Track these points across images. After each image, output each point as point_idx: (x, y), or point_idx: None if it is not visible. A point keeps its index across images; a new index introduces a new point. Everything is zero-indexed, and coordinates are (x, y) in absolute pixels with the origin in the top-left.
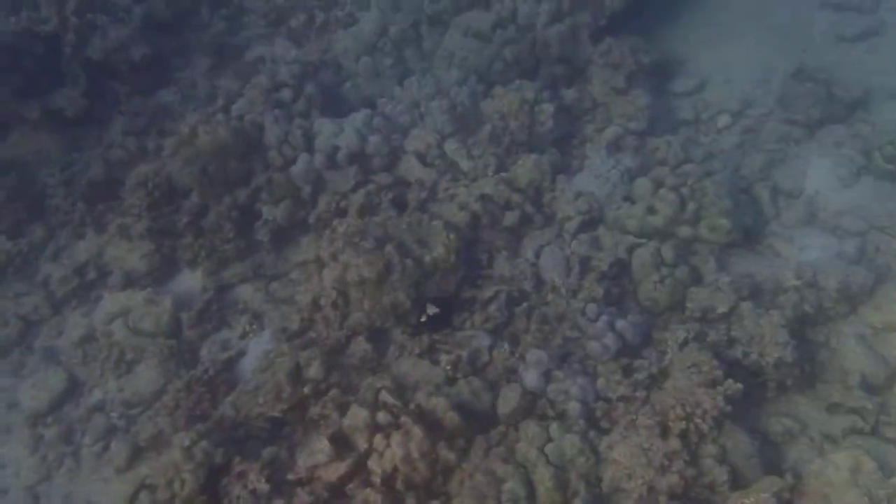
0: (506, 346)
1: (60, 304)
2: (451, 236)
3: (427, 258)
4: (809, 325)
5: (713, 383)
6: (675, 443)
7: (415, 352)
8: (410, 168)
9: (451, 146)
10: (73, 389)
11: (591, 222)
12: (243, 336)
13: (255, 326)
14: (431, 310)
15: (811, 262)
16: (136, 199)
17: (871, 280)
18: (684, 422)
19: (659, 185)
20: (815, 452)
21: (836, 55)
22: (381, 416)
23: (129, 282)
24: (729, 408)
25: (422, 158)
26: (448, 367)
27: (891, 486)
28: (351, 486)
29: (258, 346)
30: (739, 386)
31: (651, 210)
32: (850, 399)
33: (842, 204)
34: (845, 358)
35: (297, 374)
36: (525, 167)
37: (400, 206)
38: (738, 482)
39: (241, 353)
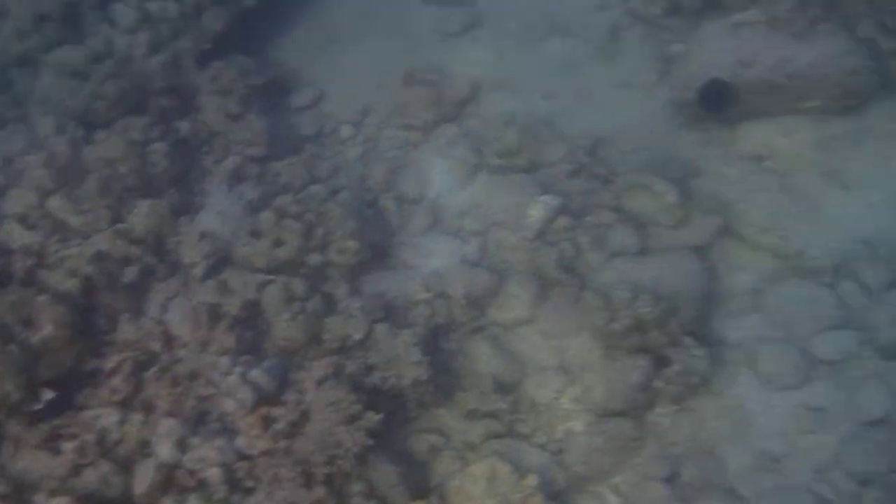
0: (137, 417)
1: None
2: (61, 309)
3: (35, 339)
4: (443, 335)
5: (352, 419)
6: (320, 490)
7: (32, 444)
8: (11, 233)
9: (55, 203)
10: None
11: (219, 264)
12: None
13: None
14: (47, 395)
15: (438, 269)
16: None
17: (495, 279)
18: (328, 466)
19: (283, 214)
20: (460, 463)
21: (445, 51)
22: None
23: None
24: (370, 441)
25: (24, 221)
26: (73, 455)
27: (524, 487)
28: None
29: None
30: (378, 417)
31: (278, 242)
32: (485, 403)
33: (462, 204)
34: (478, 362)
35: None
36: (141, 215)
37: (3, 279)
38: None
39: None
